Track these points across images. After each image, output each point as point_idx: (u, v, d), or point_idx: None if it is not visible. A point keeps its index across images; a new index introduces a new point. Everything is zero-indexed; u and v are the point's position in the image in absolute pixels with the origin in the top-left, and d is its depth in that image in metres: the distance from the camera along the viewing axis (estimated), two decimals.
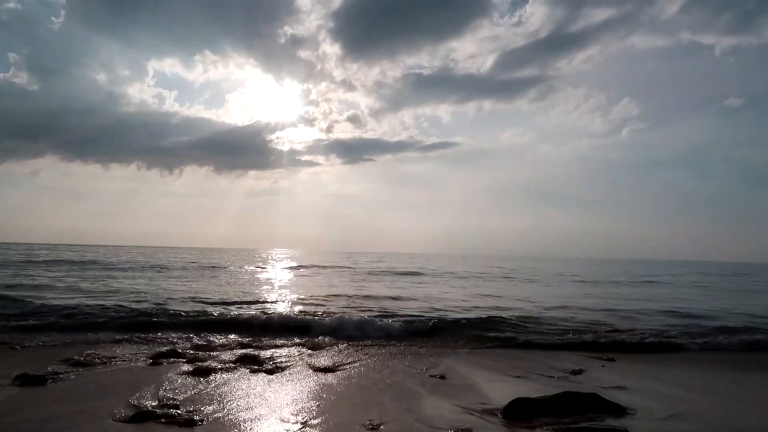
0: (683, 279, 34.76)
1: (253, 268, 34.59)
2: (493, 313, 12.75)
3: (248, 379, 5.89)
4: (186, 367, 6.33)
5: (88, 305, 11.72)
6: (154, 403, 4.73)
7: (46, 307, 11.30)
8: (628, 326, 11.23)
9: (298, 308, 12.98)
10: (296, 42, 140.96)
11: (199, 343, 8.15)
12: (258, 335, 9.13)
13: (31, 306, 11.55)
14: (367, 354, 7.76)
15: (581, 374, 6.66)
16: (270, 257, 61.24)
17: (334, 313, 11.80)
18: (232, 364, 6.63)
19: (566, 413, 4.66)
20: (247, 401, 4.98)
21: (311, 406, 4.86)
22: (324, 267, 36.53)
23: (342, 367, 6.67)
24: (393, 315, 11.94)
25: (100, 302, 12.54)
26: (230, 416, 4.49)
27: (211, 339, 8.57)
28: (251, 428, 4.21)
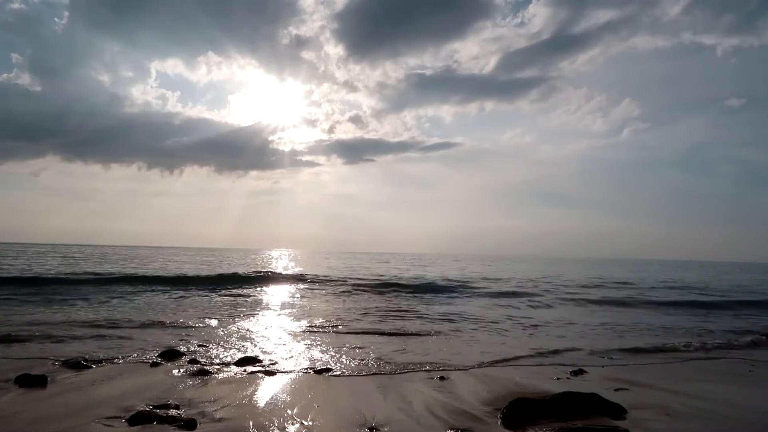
0: None
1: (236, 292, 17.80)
2: None
3: (249, 381, 5.89)
4: (187, 368, 6.33)
5: None
6: (154, 404, 4.73)
7: None
8: None
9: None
10: (299, 43, 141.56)
11: (200, 342, 8.15)
12: (258, 337, 9.13)
13: None
14: (366, 355, 7.75)
15: (582, 375, 6.66)
16: (267, 263, 60.23)
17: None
18: (232, 366, 6.63)
19: (566, 414, 4.66)
20: (248, 402, 4.98)
21: (311, 407, 4.86)
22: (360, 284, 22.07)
23: (342, 368, 6.67)
24: None
25: None
26: (231, 417, 4.49)
27: (212, 340, 8.57)
28: (251, 429, 4.22)
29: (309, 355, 7.54)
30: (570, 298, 18.99)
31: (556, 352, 8.32)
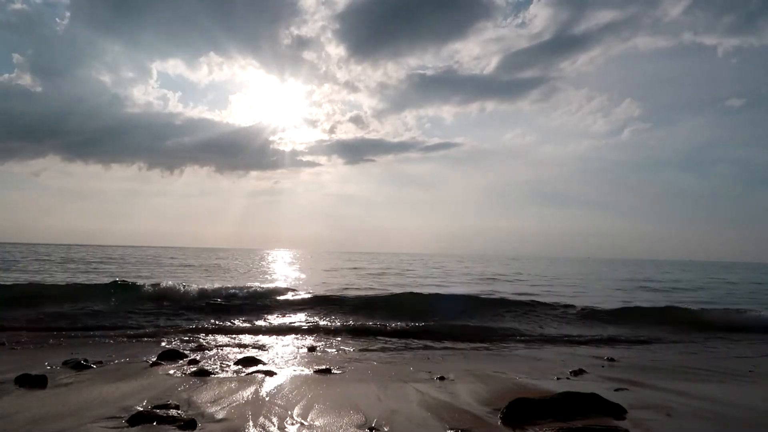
0: None
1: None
2: None
3: (249, 381, 5.89)
4: (187, 368, 6.34)
5: None
6: (154, 404, 4.73)
7: None
8: None
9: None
10: (301, 43, 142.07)
11: (200, 343, 8.16)
12: (258, 337, 9.14)
13: None
14: (366, 355, 7.76)
15: (582, 374, 6.66)
16: (268, 265, 59.94)
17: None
18: (232, 365, 6.64)
19: (566, 414, 4.65)
20: (248, 402, 4.98)
21: (311, 407, 4.86)
22: None
23: (342, 368, 6.68)
24: None
25: None
26: (231, 417, 4.49)
27: (212, 340, 8.58)
28: (251, 429, 4.22)
29: (309, 356, 7.55)
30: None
31: None
